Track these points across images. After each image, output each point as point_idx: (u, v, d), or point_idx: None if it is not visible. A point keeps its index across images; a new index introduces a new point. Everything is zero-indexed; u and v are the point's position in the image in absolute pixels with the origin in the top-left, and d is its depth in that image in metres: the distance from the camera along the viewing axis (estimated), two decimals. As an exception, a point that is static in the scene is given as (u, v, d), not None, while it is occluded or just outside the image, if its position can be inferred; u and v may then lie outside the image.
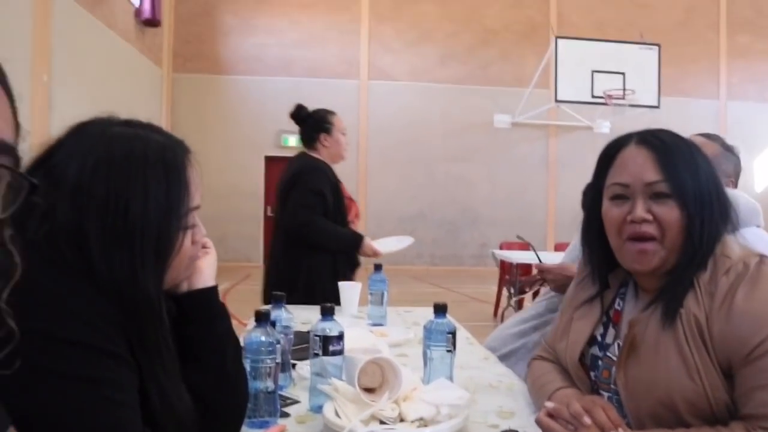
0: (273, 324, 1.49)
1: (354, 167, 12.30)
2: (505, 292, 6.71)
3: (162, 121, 11.52)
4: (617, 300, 1.27)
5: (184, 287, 1.05)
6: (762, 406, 0.99)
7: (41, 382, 0.73)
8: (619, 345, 1.21)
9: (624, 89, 10.14)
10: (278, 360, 1.26)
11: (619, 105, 10.23)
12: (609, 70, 10.26)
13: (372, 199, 12.31)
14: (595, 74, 10.28)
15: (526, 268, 6.03)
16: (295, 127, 3.19)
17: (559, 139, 12.60)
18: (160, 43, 11.62)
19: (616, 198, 1.18)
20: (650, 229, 1.13)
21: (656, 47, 10.58)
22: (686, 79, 12.34)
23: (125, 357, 0.82)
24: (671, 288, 1.12)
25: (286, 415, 1.30)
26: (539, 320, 2.17)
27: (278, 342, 1.27)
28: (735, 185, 1.98)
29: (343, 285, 2.43)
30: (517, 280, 5.82)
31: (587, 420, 1.06)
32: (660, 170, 1.13)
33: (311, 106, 3.26)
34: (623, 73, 10.27)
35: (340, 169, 3.15)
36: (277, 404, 1.27)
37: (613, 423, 1.06)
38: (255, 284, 8.99)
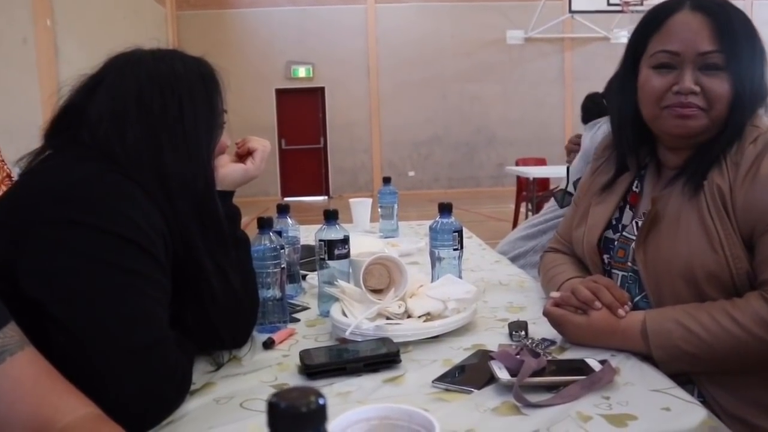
0: (279, 234, 1.49)
1: (365, 94, 12.13)
2: (522, 208, 6.69)
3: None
4: (635, 183, 1.24)
5: None
6: None
7: (85, 267, 0.81)
8: (637, 224, 1.19)
9: (642, -6, 9.73)
10: (283, 265, 1.26)
11: (637, 11, 9.80)
12: (625, -26, 9.82)
13: (386, 127, 12.18)
14: (611, -20, 9.85)
15: (542, 182, 5.98)
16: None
17: (575, 52, 12.22)
18: (161, -20, 11.33)
19: (661, 67, 1.10)
20: (696, 101, 1.06)
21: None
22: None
23: (163, 263, 0.89)
24: (697, 161, 1.09)
25: (296, 320, 1.30)
26: (547, 224, 2.15)
27: (282, 248, 1.26)
28: None
29: (353, 201, 2.42)
30: (534, 195, 5.77)
31: (598, 304, 1.05)
32: (716, 40, 1.05)
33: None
34: (640, -21, 9.83)
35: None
36: (286, 310, 1.27)
37: (619, 301, 1.05)
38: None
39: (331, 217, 1.35)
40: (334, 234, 1.33)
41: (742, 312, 0.98)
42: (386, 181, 2.25)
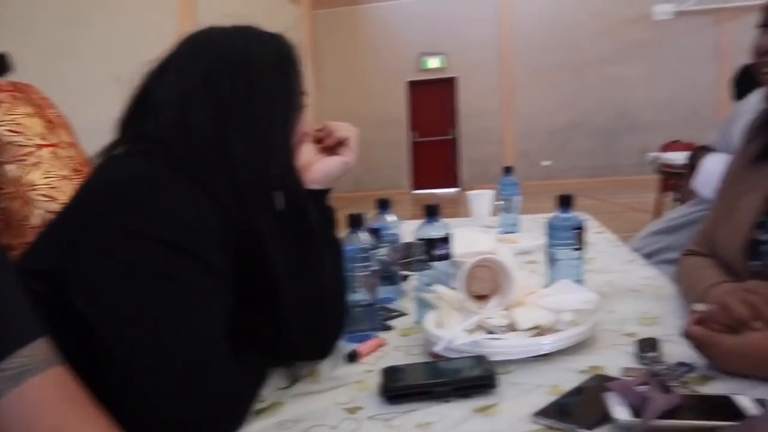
0: (377, 232, 1.37)
1: (498, 82, 11.79)
2: (668, 199, 6.12)
3: (307, 60, 11.68)
4: None
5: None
6: None
7: (126, 278, 0.73)
8: None
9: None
10: (375, 268, 1.14)
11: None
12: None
13: (520, 114, 11.78)
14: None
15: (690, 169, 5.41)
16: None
17: (734, 24, 11.07)
18: (296, -19, 11.69)
19: None
20: None
21: None
22: None
23: (218, 267, 0.79)
24: None
25: (389, 328, 1.18)
26: (688, 217, 1.86)
27: (374, 248, 1.14)
28: None
29: (472, 194, 2.26)
30: (679, 184, 5.25)
31: (758, 324, 0.82)
32: None
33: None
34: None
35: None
36: (377, 317, 1.15)
37: None
38: (404, 210, 9.12)
39: (432, 212, 1.22)
40: (434, 231, 1.20)
41: None
42: (507, 170, 2.07)
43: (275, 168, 0.88)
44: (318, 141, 1.05)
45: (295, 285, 0.90)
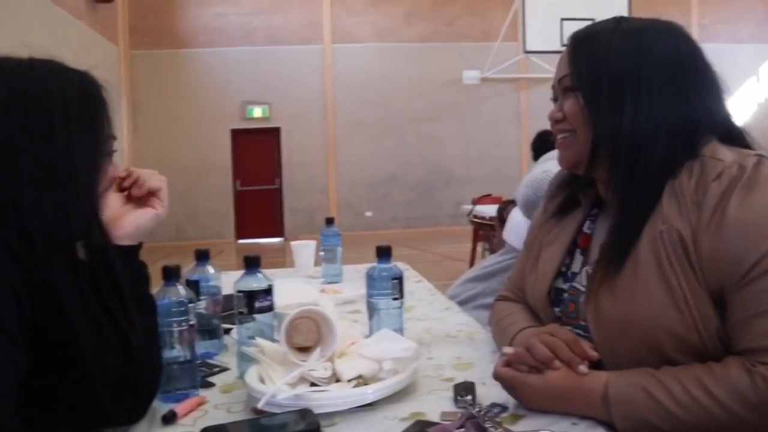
0: (196, 284, 1.32)
1: (322, 134, 12.04)
2: (480, 248, 6.59)
3: (122, 100, 11.12)
4: (587, 223, 1.08)
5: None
6: (763, 337, 0.81)
7: None
8: (587, 273, 1.02)
9: (593, 35, 9.91)
10: (192, 322, 1.08)
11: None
12: (578, 17, 10.01)
13: (342, 166, 12.08)
14: (564, 22, 10.04)
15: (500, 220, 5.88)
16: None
17: (530, 91, 12.38)
18: (114, 19, 11.13)
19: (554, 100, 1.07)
20: (563, 126, 1.03)
21: (626, -10, 10.38)
22: (656, 22, 12.07)
23: (8, 328, 0.71)
24: (625, 202, 0.94)
25: (210, 384, 1.12)
26: (498, 265, 2.02)
27: (190, 301, 1.08)
28: None
29: (295, 244, 2.24)
30: (490, 234, 5.68)
31: (557, 364, 0.89)
32: (569, 64, 1.01)
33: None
34: (593, 20, 9.96)
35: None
36: (196, 374, 1.09)
37: (581, 356, 0.89)
38: (228, 261, 8.83)
39: (252, 263, 1.18)
40: (255, 283, 1.16)
41: (719, 383, 0.81)
42: (329, 222, 2.09)
43: (75, 217, 0.81)
44: (123, 189, 0.98)
45: (99, 345, 0.82)
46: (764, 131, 3.00)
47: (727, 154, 0.90)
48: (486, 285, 1.99)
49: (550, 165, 1.91)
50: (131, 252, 0.93)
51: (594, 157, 0.98)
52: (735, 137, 0.96)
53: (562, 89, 1.03)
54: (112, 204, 0.94)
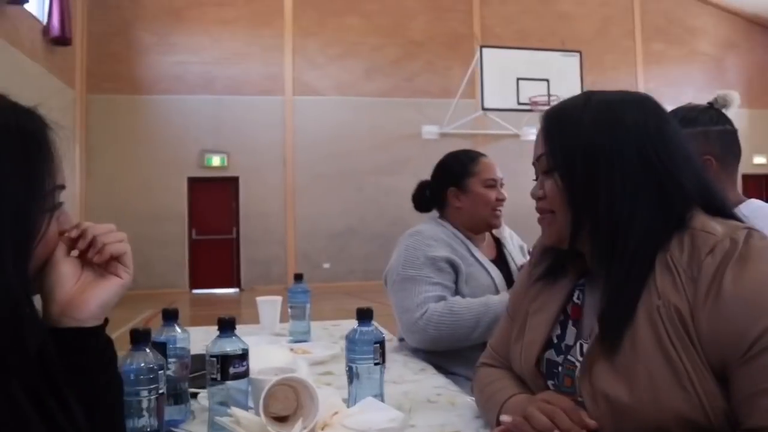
0: (163, 347, 1.24)
1: (281, 185, 11.98)
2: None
3: (76, 144, 10.90)
4: (576, 292, 1.05)
5: (59, 318, 0.78)
6: None
7: None
8: (582, 346, 0.99)
9: (549, 95, 10.25)
10: (162, 390, 1.00)
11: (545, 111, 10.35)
12: (533, 77, 10.38)
13: (301, 217, 12.00)
14: (520, 81, 10.38)
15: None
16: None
17: (487, 147, 12.61)
18: (72, 63, 11.00)
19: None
20: (544, 205, 1.03)
21: (577, 54, 10.81)
22: (607, 84, 12.30)
23: None
24: (613, 275, 0.93)
25: (177, 458, 1.04)
26: None
27: (161, 368, 1.01)
28: (720, 164, 1.46)
29: (260, 300, 2.16)
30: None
31: None
32: (543, 143, 1.02)
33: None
34: (547, 80, 10.40)
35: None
36: (163, 446, 1.01)
37: (580, 425, 0.86)
38: (183, 312, 8.58)
39: (226, 325, 1.12)
40: (230, 347, 1.10)
41: None
42: (298, 278, 2.03)
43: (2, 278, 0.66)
44: (76, 250, 0.82)
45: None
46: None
47: (716, 227, 0.89)
48: None
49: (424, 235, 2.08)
50: (97, 333, 0.80)
51: (576, 234, 0.98)
52: (719, 208, 0.96)
53: (541, 170, 1.04)
54: (68, 276, 0.79)
